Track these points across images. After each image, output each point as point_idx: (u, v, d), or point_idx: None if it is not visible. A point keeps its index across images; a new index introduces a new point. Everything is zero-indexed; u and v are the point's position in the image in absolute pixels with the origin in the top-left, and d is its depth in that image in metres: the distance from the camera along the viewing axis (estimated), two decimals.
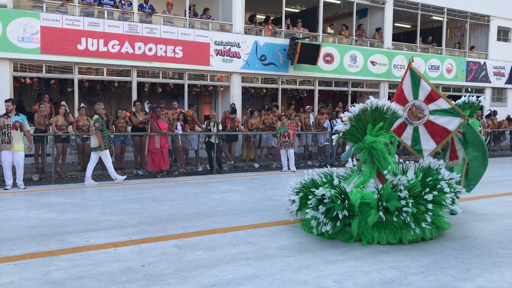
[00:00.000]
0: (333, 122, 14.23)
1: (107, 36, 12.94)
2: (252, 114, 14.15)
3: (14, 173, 9.66)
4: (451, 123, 7.04)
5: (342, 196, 5.56)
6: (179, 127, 12.43)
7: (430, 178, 5.69)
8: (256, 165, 13.52)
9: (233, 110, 13.89)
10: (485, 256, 5.19)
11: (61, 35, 12.36)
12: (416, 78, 7.24)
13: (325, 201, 5.52)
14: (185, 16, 14.50)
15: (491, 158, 16.36)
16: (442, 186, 5.65)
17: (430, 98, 7.16)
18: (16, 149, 9.45)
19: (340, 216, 5.44)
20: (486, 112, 19.27)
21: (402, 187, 5.50)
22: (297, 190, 6.14)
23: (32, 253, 5.16)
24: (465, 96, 7.76)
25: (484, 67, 21.27)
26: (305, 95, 17.90)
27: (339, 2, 18.19)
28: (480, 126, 8.17)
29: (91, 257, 5.06)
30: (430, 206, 5.49)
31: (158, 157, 11.25)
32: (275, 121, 14.28)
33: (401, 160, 6.41)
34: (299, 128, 14.44)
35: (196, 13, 15.11)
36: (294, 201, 6.08)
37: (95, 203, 8.03)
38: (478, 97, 7.76)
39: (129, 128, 12.25)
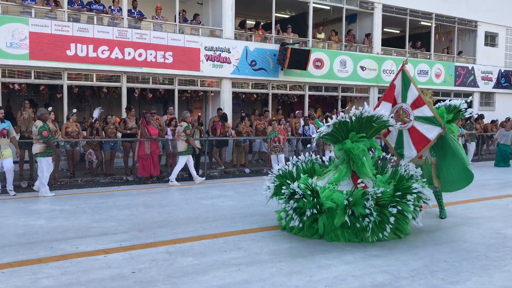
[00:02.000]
0: (305, 128, 14.29)
1: (96, 41, 12.88)
2: (243, 120, 14.14)
3: (0, 180, 9.58)
4: (431, 132, 7.07)
5: (313, 194, 5.93)
6: (169, 132, 12.40)
7: (400, 193, 5.89)
8: (247, 170, 13.51)
9: (224, 116, 13.83)
10: (474, 260, 5.23)
11: (50, 40, 12.28)
12: (406, 81, 7.27)
13: (296, 196, 5.93)
14: (175, 22, 14.49)
15: (479, 162, 16.56)
16: (408, 200, 5.86)
17: (416, 104, 7.19)
18: (5, 156, 9.36)
19: (308, 213, 5.82)
20: (474, 116, 19.42)
21: (370, 197, 5.76)
22: (275, 178, 6.56)
23: (20, 261, 5.10)
24: (450, 100, 7.83)
25: (472, 71, 21.50)
26: (296, 100, 17.95)
27: (328, 8, 18.28)
28: (459, 131, 8.21)
29: (80, 264, 5.01)
30: (392, 219, 5.74)
31: (148, 163, 11.19)
32: (266, 126, 14.29)
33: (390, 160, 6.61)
34: (289, 133, 14.46)
35: (186, 19, 15.11)
36: (269, 187, 6.49)
37: (85, 210, 7.97)
38: (467, 101, 7.84)
39: (119, 134, 12.19)
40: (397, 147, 7.49)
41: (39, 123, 9.37)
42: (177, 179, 11.24)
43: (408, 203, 5.82)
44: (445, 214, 7.41)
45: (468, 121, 16.63)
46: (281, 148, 12.49)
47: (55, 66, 12.51)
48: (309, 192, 5.94)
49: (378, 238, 5.89)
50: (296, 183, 6.06)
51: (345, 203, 5.77)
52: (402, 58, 19.13)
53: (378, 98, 17.99)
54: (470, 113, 7.72)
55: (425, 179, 6.51)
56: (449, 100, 7.78)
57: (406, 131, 7.32)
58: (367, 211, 5.68)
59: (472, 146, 16.57)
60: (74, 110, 11.85)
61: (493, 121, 19.39)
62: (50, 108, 11.44)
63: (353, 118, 6.14)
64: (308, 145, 14.17)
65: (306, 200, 5.86)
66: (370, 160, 6.34)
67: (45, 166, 9.33)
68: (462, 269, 4.90)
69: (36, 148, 9.33)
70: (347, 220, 5.73)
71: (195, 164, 12.17)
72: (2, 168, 9.44)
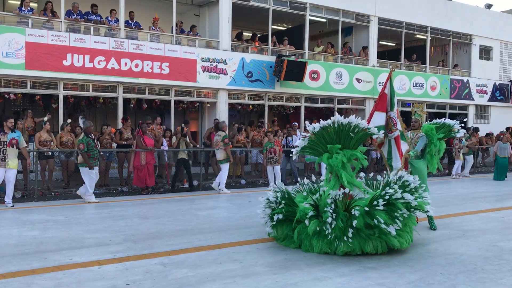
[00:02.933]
0: (288, 139, 14.28)
1: (93, 52, 12.89)
2: (240, 131, 14.14)
3: None
4: (405, 145, 7.31)
5: (289, 201, 6.14)
6: (165, 143, 12.37)
7: (379, 201, 5.77)
8: (243, 182, 13.47)
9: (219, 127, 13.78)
10: (470, 272, 5.21)
11: (46, 50, 12.28)
12: (393, 89, 7.29)
13: (270, 204, 6.21)
14: (172, 33, 14.54)
15: (474, 174, 16.57)
16: (379, 207, 5.75)
17: (397, 114, 7.29)
18: (10, 166, 9.27)
19: (275, 218, 6.03)
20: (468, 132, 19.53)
21: (333, 201, 5.88)
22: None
23: (13, 272, 5.03)
24: (445, 118, 7.98)
25: (467, 84, 21.64)
26: (292, 111, 17.99)
27: (324, 20, 18.43)
28: (463, 144, 8.33)
29: (74, 275, 4.95)
30: (355, 222, 5.69)
31: (144, 174, 11.15)
32: (262, 137, 14.29)
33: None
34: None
35: (183, 30, 15.17)
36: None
37: (79, 221, 7.90)
38: (462, 121, 7.98)
39: (114, 145, 12.15)
40: (388, 157, 7.47)
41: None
42: (187, 189, 11.42)
43: (378, 207, 5.68)
44: (435, 226, 7.39)
45: (467, 134, 16.72)
46: (277, 159, 12.50)
47: (51, 76, 12.49)
48: (283, 200, 6.16)
49: (349, 247, 5.71)
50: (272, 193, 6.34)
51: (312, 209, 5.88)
52: (398, 71, 19.23)
53: None
54: (462, 135, 8.05)
55: (423, 188, 6.35)
56: (444, 118, 7.94)
57: (393, 140, 7.30)
58: (329, 216, 5.70)
59: (470, 159, 16.60)
60: (69, 121, 11.82)
61: (488, 134, 19.48)
62: (46, 118, 11.42)
63: (328, 129, 6.22)
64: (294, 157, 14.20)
65: (277, 207, 6.12)
66: (350, 171, 6.25)
67: (85, 175, 9.89)
68: (458, 282, 4.87)
69: (79, 158, 10.07)
70: (317, 227, 5.79)
71: (188, 175, 12.16)
72: (3, 179, 9.31)
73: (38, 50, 12.18)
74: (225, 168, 11.66)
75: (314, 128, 6.27)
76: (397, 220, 5.71)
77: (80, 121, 11.96)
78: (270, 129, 14.76)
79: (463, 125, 8.11)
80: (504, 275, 5.14)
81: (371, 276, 5.01)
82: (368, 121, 7.11)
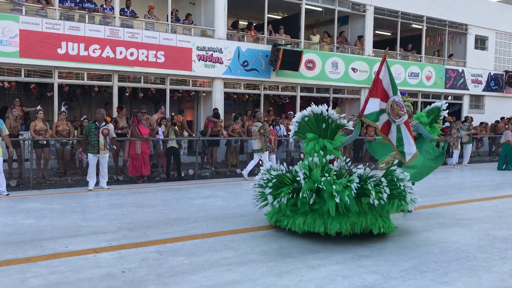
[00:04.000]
0: (276, 129, 14.28)
1: (88, 40, 12.81)
2: (236, 120, 14.13)
3: None
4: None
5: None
6: (160, 132, 12.35)
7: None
8: (238, 171, 13.50)
9: (216, 115, 13.85)
10: (463, 260, 5.27)
11: (40, 38, 12.19)
12: (391, 73, 6.98)
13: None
14: (167, 21, 14.45)
15: (470, 164, 16.67)
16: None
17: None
18: None
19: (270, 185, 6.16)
20: (462, 119, 19.62)
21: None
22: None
23: (8, 260, 5.05)
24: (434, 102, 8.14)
25: (462, 74, 21.68)
26: (287, 101, 17.99)
27: (320, 9, 18.35)
28: (439, 136, 8.27)
29: (70, 263, 4.98)
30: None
31: (139, 162, 11.16)
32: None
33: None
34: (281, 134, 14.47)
35: (178, 18, 15.08)
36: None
37: (75, 209, 7.91)
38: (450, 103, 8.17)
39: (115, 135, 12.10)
40: (398, 145, 7.10)
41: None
42: (183, 178, 11.63)
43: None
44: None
45: (466, 122, 16.81)
46: (272, 149, 12.52)
47: (45, 64, 12.42)
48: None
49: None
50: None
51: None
52: (393, 60, 19.25)
53: None
54: (446, 111, 8.12)
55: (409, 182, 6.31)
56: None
57: (403, 125, 6.90)
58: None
59: (469, 148, 16.67)
60: (63, 108, 11.76)
61: (482, 123, 19.57)
62: (39, 107, 11.37)
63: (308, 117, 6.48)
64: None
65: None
66: (320, 160, 6.21)
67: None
68: (451, 270, 4.93)
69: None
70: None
71: (177, 165, 12.16)
72: None
73: (32, 38, 12.09)
74: (256, 158, 12.11)
75: (298, 116, 6.59)
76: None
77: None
78: (266, 119, 14.75)
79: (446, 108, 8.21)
80: (496, 263, 5.21)
81: (365, 264, 5.06)
82: (363, 109, 7.01)
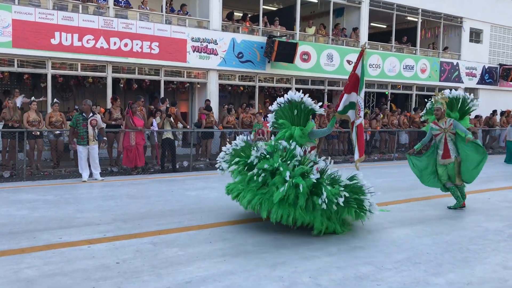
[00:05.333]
0: (266, 120, 14.20)
1: (81, 30, 12.70)
2: (230, 112, 14.11)
3: None
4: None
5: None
6: (154, 123, 12.31)
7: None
8: None
9: (208, 107, 13.82)
10: (456, 252, 5.31)
11: (33, 28, 12.07)
12: (363, 71, 6.67)
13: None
14: (161, 12, 14.35)
15: None
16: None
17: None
18: None
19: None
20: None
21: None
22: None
23: (2, 251, 5.04)
24: (450, 90, 8.08)
25: (457, 67, 21.72)
26: (282, 93, 17.87)
27: (316, 1, 18.28)
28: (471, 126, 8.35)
29: (64, 254, 4.97)
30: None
31: (133, 154, 11.12)
32: (252, 119, 14.26)
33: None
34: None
35: (173, 9, 14.98)
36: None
37: (68, 200, 7.89)
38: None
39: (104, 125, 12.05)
40: (354, 145, 6.73)
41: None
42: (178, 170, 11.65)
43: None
44: (457, 206, 7.67)
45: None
46: (265, 141, 12.44)
47: (39, 54, 12.30)
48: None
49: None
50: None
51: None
52: (389, 53, 19.25)
53: (364, 92, 18.08)
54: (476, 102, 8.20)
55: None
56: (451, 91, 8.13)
57: (355, 128, 6.53)
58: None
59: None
60: (55, 100, 11.68)
61: (476, 117, 19.63)
62: (33, 98, 11.29)
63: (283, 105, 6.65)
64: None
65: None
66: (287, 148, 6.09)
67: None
68: (444, 261, 4.97)
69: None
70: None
71: (172, 156, 12.11)
72: None
73: (25, 28, 11.97)
74: None
75: (275, 104, 6.77)
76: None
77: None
78: (260, 110, 14.73)
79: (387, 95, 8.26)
80: (488, 254, 5.25)
81: (358, 256, 5.09)
82: (337, 106, 6.74)
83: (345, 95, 6.72)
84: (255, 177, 5.79)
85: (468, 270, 4.73)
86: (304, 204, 5.54)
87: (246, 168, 5.98)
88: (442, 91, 8.20)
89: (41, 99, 11.55)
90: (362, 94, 6.60)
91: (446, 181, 7.71)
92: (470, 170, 7.56)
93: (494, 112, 20.18)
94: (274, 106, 6.89)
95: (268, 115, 7.43)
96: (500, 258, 5.12)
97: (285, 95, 6.70)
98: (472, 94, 8.41)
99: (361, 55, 6.78)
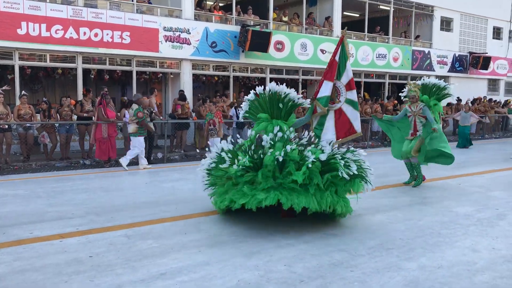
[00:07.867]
0: (238, 111, 14.04)
1: (49, 20, 12.37)
2: (204, 103, 13.97)
3: None
4: (357, 121, 6.95)
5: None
6: (127, 115, 12.11)
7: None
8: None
9: (182, 97, 13.68)
10: (428, 237, 5.42)
11: None
12: (345, 57, 6.77)
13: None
14: (132, 1, 14.08)
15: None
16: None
17: (351, 85, 6.88)
18: None
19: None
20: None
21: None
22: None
23: None
24: (424, 78, 8.53)
25: (429, 56, 22.05)
26: (257, 83, 17.91)
27: None
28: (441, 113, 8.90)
29: (35, 249, 4.86)
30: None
31: (106, 146, 10.94)
32: (226, 109, 14.17)
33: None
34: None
35: None
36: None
37: (39, 195, 7.72)
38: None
39: (75, 117, 11.83)
40: (317, 127, 6.99)
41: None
42: (152, 161, 11.60)
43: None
44: (417, 184, 8.48)
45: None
46: (216, 132, 11.88)
47: (5, 45, 11.95)
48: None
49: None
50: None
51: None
52: (361, 42, 19.39)
53: None
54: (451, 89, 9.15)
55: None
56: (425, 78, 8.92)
57: (332, 112, 6.81)
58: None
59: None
60: (23, 92, 11.38)
61: (448, 104, 19.98)
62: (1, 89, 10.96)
63: (262, 96, 6.36)
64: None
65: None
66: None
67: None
68: (416, 246, 5.06)
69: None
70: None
71: (149, 148, 11.88)
72: None
73: None
74: (134, 142, 11.45)
75: (251, 95, 6.48)
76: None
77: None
78: (234, 101, 14.64)
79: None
80: (459, 238, 5.38)
81: (332, 243, 5.14)
82: (316, 92, 6.87)
83: (325, 82, 6.83)
84: (267, 172, 5.52)
85: (439, 254, 4.83)
86: (320, 180, 5.45)
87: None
88: (414, 81, 8.70)
89: (4, 87, 11.17)
90: (344, 79, 6.79)
91: (404, 158, 8.58)
92: (428, 155, 8.46)
93: (459, 99, 20.46)
94: (250, 96, 6.58)
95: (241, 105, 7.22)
96: (470, 242, 5.24)
97: (268, 86, 6.36)
98: (443, 80, 8.89)
99: (341, 41, 6.91)
